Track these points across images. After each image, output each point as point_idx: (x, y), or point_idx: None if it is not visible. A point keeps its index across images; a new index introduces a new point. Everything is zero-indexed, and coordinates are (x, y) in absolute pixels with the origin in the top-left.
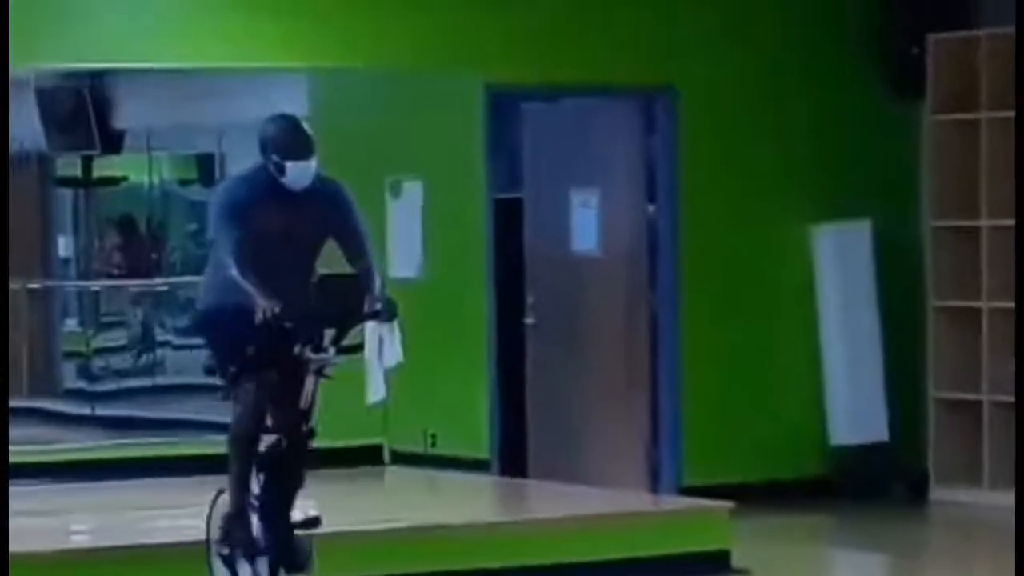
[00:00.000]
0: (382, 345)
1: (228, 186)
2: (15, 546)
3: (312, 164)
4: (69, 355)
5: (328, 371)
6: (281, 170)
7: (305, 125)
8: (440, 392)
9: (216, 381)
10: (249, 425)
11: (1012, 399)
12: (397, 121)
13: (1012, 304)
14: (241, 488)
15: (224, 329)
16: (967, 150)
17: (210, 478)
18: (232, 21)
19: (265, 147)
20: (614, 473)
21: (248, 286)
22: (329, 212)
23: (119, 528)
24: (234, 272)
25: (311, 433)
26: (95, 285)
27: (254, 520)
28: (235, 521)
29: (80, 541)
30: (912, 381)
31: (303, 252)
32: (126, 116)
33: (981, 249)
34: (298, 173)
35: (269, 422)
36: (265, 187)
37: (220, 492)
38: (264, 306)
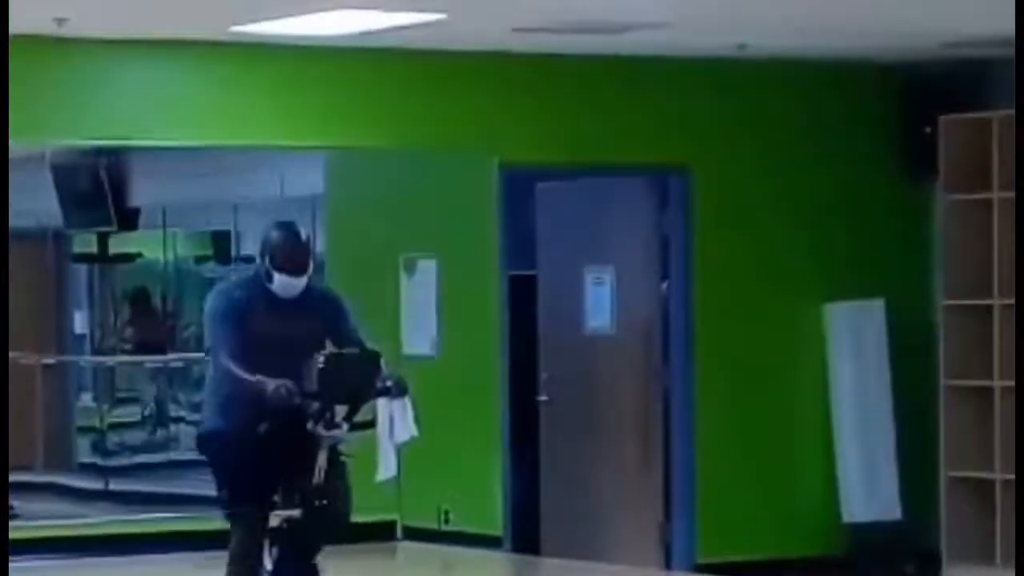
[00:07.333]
0: (393, 421)
1: (221, 292)
2: None
3: (300, 282)
4: (84, 430)
5: (343, 447)
6: (269, 278)
7: (303, 241)
8: (454, 468)
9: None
10: (249, 548)
11: None
12: (412, 199)
13: None
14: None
15: (224, 453)
16: (980, 230)
17: (224, 554)
18: (249, 99)
19: (262, 251)
20: (628, 550)
21: (252, 377)
22: (324, 322)
23: None
24: (236, 369)
25: (331, 509)
26: (110, 360)
27: None
28: None
29: None
30: (925, 459)
31: (299, 354)
32: (142, 193)
33: (994, 328)
34: (284, 285)
35: (281, 498)
36: (258, 293)
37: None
38: (276, 384)
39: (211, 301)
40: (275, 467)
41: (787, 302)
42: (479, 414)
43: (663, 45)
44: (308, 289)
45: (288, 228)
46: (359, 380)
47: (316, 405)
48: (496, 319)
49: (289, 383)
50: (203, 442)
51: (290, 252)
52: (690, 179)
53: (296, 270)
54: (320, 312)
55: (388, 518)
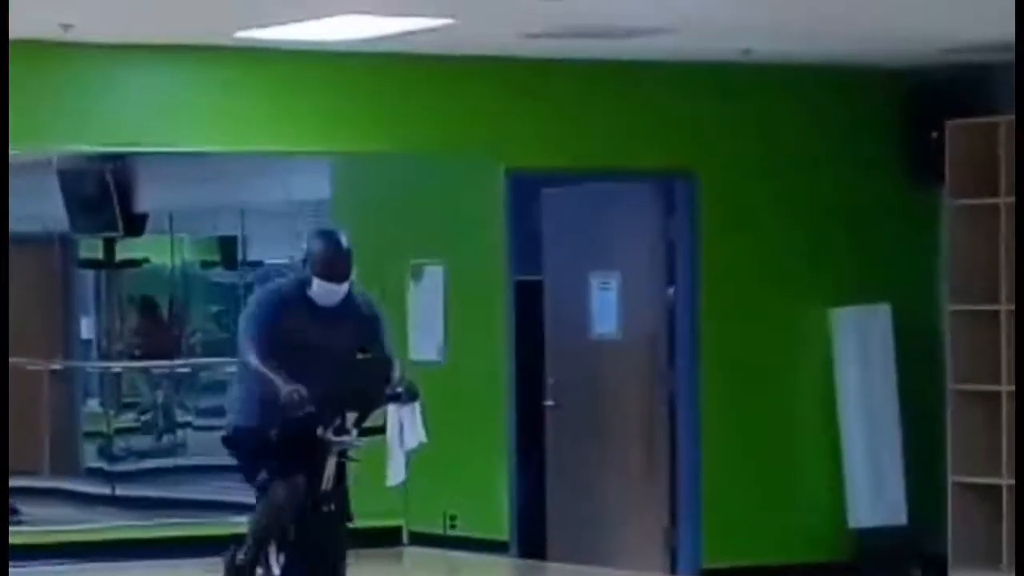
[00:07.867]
0: (403, 427)
1: (260, 297)
2: None
3: (341, 288)
4: (90, 435)
5: (351, 453)
6: (310, 284)
7: (345, 249)
8: (460, 473)
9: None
10: (273, 516)
11: None
12: (419, 205)
13: None
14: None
15: (252, 448)
16: (986, 235)
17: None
18: (254, 104)
19: (304, 259)
20: (633, 555)
21: (271, 374)
22: (358, 327)
23: None
24: (258, 364)
25: (338, 515)
26: (116, 366)
27: None
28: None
29: None
30: (931, 464)
31: (331, 360)
32: (148, 198)
33: (1000, 333)
34: (323, 293)
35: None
36: (296, 299)
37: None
38: (289, 390)
39: (248, 307)
40: (286, 472)
41: (793, 307)
42: (485, 419)
43: (669, 50)
44: (349, 297)
45: (330, 236)
46: (369, 386)
47: (326, 410)
48: (503, 324)
49: (302, 388)
50: (230, 440)
51: (331, 259)
52: (696, 184)
53: (336, 277)
54: (356, 323)
55: (394, 523)
